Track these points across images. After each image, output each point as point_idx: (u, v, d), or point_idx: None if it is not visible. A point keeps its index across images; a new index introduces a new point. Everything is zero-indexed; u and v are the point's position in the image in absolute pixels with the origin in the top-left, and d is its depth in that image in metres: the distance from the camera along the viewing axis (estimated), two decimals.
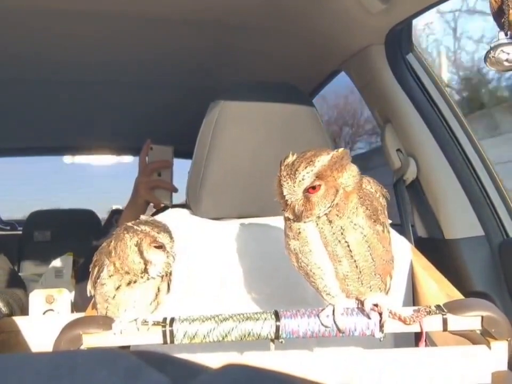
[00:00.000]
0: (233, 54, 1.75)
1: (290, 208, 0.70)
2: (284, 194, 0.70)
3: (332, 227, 0.69)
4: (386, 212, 0.74)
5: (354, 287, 0.73)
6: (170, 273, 0.79)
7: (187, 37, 1.60)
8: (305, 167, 0.68)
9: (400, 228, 1.46)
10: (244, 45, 1.67)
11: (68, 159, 3.26)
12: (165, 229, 0.75)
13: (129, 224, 0.76)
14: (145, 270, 0.74)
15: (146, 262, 0.74)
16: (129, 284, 0.75)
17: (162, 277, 0.77)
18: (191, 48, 1.70)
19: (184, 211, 1.15)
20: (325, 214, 0.69)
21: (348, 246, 0.69)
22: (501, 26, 0.74)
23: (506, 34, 0.74)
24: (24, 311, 1.59)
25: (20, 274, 2.19)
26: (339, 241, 0.69)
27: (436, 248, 1.41)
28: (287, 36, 1.57)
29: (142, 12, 1.43)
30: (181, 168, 1.68)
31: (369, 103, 1.62)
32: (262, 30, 1.55)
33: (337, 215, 0.69)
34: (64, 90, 2.08)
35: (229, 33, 1.59)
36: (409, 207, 1.55)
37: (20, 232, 3.14)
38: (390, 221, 0.75)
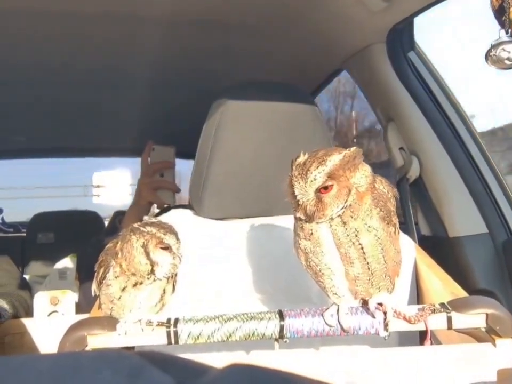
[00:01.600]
0: (235, 54, 1.75)
1: (302, 208, 0.69)
2: (296, 194, 0.69)
3: (346, 229, 0.68)
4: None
5: (364, 288, 0.72)
6: (176, 274, 0.79)
7: (187, 37, 1.60)
8: (317, 167, 0.67)
9: (403, 226, 1.45)
10: (245, 45, 1.67)
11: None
12: (171, 230, 0.75)
13: (136, 225, 0.76)
14: (152, 271, 0.74)
15: (152, 263, 0.73)
16: (135, 285, 0.75)
17: (168, 278, 0.76)
18: (192, 49, 1.70)
19: (187, 211, 1.15)
20: (339, 215, 0.68)
21: (362, 248, 0.69)
22: (502, 25, 0.73)
23: (507, 33, 0.74)
24: (29, 313, 1.59)
25: (24, 276, 2.19)
26: (353, 243, 0.68)
27: (439, 246, 1.41)
28: (288, 35, 1.57)
29: (143, 14, 1.43)
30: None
31: (371, 102, 1.62)
32: (263, 30, 1.55)
33: (352, 217, 0.68)
34: (67, 92, 2.08)
35: (230, 34, 1.59)
36: (412, 205, 1.54)
37: (24, 234, 3.14)
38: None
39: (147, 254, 0.73)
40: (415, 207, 1.55)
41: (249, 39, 1.62)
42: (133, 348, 0.79)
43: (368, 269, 0.70)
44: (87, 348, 0.75)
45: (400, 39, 1.45)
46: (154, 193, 1.43)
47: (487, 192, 1.42)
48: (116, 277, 0.75)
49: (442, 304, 0.76)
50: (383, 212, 0.70)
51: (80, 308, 1.51)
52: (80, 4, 1.36)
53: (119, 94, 2.15)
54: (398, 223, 0.74)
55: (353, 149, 0.69)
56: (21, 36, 1.54)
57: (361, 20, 1.35)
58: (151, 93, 2.11)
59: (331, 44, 1.54)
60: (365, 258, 0.69)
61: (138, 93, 2.13)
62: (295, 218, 0.73)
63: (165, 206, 1.46)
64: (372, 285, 0.72)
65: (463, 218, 1.41)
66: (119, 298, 0.75)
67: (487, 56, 0.77)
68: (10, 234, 3.25)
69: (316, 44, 1.57)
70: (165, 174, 1.45)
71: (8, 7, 1.33)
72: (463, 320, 0.75)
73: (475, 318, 0.75)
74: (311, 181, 0.67)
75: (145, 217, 0.79)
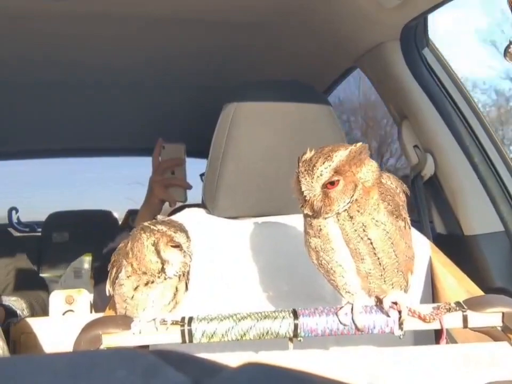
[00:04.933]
0: (246, 52, 1.75)
1: (308, 204, 0.70)
2: (302, 190, 0.69)
3: (353, 223, 0.68)
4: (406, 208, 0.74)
5: (377, 285, 0.72)
6: (188, 273, 0.79)
7: (198, 36, 1.60)
8: (323, 162, 0.67)
9: (418, 224, 1.44)
10: (256, 43, 1.67)
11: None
12: (181, 228, 0.75)
13: (146, 224, 0.76)
14: (163, 270, 0.74)
15: (163, 262, 0.74)
16: (147, 284, 0.75)
17: (179, 276, 0.77)
18: (203, 48, 1.70)
19: (201, 211, 1.15)
20: (345, 210, 0.68)
21: (371, 243, 0.69)
22: None
23: None
24: (46, 312, 1.60)
25: (40, 275, 2.21)
26: (361, 238, 0.68)
27: (455, 245, 1.40)
28: (301, 33, 1.57)
29: (151, 13, 1.43)
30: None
31: (385, 99, 1.61)
32: (275, 28, 1.55)
33: (358, 211, 0.68)
34: (76, 93, 2.09)
35: (240, 32, 1.59)
36: (427, 203, 1.53)
37: (39, 234, 3.17)
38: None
39: (157, 253, 0.74)
40: (429, 205, 1.54)
41: (260, 38, 1.62)
42: (147, 346, 0.79)
43: (380, 264, 0.70)
44: (102, 347, 0.75)
45: (414, 36, 1.44)
46: (166, 191, 1.44)
47: (503, 190, 1.40)
48: (128, 277, 0.76)
49: (457, 303, 0.76)
50: (391, 206, 0.70)
51: (95, 307, 1.52)
52: (88, 5, 1.36)
53: (130, 95, 2.16)
54: (408, 218, 0.74)
55: (359, 144, 0.70)
56: (21, 36, 1.55)
57: (374, 17, 1.34)
58: (160, 92, 2.12)
59: (344, 41, 1.53)
60: (375, 253, 0.69)
61: (148, 93, 2.14)
62: (304, 215, 0.73)
63: (178, 204, 1.47)
64: (384, 281, 0.72)
65: (478, 217, 1.40)
66: (132, 297, 0.76)
67: (506, 52, 0.77)
68: (26, 234, 3.27)
69: (329, 41, 1.56)
70: (175, 172, 1.45)
71: (8, 7, 1.34)
72: (479, 319, 0.74)
73: (491, 317, 0.74)
74: (318, 177, 0.68)
75: (159, 217, 0.79)
